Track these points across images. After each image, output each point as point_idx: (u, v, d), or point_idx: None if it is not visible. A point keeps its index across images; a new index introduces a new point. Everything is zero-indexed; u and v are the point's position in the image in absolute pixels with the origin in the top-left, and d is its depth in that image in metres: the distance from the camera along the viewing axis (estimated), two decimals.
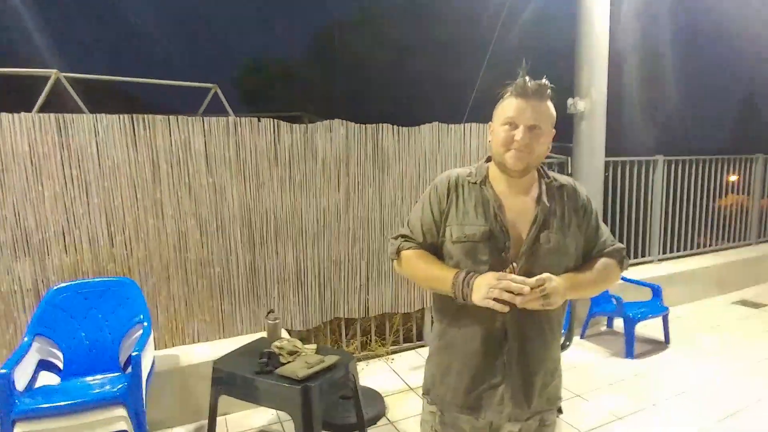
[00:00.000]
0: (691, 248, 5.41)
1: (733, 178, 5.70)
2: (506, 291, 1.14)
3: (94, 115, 2.73)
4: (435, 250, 1.35)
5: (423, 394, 1.44)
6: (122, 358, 2.56)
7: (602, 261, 1.34)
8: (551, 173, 1.37)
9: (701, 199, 5.37)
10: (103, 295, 2.62)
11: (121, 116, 2.77)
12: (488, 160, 1.38)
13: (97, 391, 2.24)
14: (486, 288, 1.16)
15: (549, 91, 1.25)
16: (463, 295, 1.21)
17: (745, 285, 5.24)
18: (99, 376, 2.46)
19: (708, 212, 5.49)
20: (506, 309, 1.15)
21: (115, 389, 2.19)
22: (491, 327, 1.27)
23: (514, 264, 1.25)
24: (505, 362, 1.29)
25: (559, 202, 1.33)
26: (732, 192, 5.74)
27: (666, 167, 4.97)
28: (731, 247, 5.72)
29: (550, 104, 1.27)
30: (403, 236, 1.39)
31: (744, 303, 4.81)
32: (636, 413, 2.82)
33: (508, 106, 1.25)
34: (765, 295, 5.03)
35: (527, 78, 1.24)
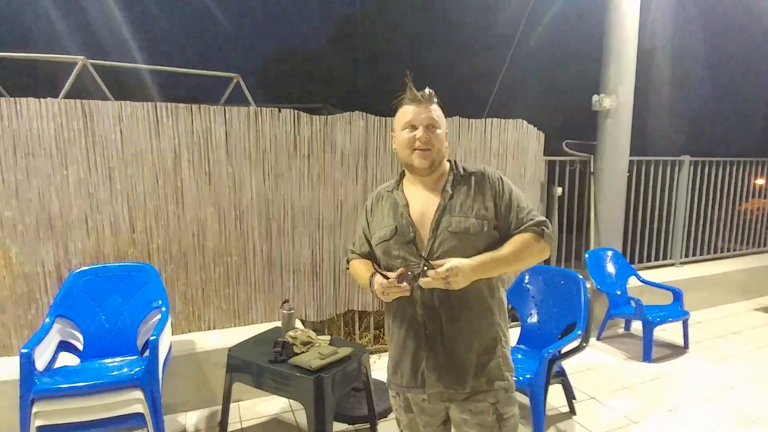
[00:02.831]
0: (715, 252, 5.27)
1: (760, 181, 5.53)
2: (394, 290, 1.28)
3: (119, 102, 2.76)
4: (372, 258, 1.52)
5: (386, 382, 1.57)
6: (140, 342, 2.60)
7: (517, 237, 1.39)
8: (463, 165, 1.48)
9: (726, 202, 5.23)
10: (123, 279, 2.67)
11: (145, 104, 2.79)
12: (404, 171, 1.51)
13: (115, 373, 2.27)
14: (378, 292, 1.33)
15: (434, 97, 1.42)
16: (374, 295, 1.42)
17: None
18: (117, 359, 2.51)
19: (733, 216, 5.34)
20: (408, 293, 1.30)
21: (132, 372, 2.23)
22: (412, 315, 1.40)
23: (424, 256, 1.36)
24: (427, 346, 1.39)
25: (465, 188, 1.42)
26: (758, 196, 5.57)
27: (692, 168, 4.84)
28: (756, 253, 5.56)
29: (438, 108, 1.42)
30: (351, 250, 1.61)
31: (766, 310, 4.68)
32: (651, 418, 2.77)
33: (404, 113, 1.41)
34: None
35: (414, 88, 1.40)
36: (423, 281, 1.27)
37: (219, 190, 3.01)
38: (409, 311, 1.40)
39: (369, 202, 1.55)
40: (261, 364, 2.31)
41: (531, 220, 1.40)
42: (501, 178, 1.44)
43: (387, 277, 1.30)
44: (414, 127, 1.38)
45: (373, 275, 1.39)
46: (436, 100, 1.42)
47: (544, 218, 1.41)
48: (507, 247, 1.36)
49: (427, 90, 1.41)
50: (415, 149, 1.37)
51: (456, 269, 1.26)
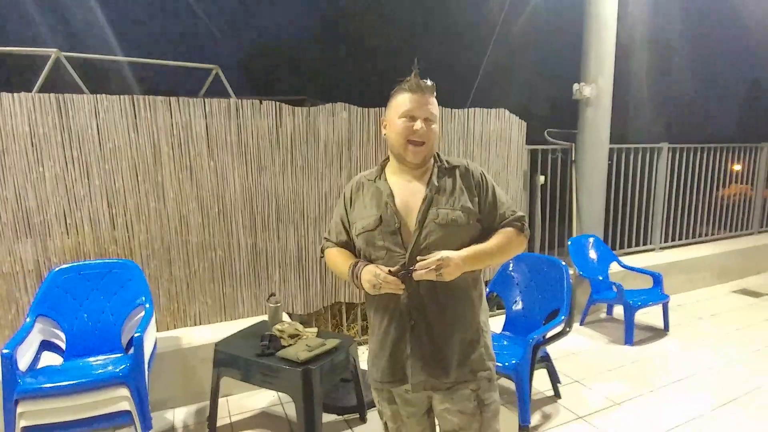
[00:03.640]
0: (693, 237, 5.40)
1: (737, 167, 5.67)
2: (387, 283, 1.28)
3: (95, 95, 2.70)
4: (350, 247, 1.51)
5: (366, 377, 1.59)
6: (124, 340, 2.57)
7: (501, 231, 1.44)
8: (446, 158, 1.48)
9: (705, 187, 5.35)
10: (105, 276, 2.63)
11: (122, 97, 2.74)
12: (385, 160, 1.51)
13: (100, 371, 2.24)
14: (367, 283, 1.32)
15: (434, 90, 1.41)
16: (356, 286, 1.38)
17: (746, 274, 5.25)
18: (101, 357, 2.48)
19: (711, 201, 5.47)
20: (400, 291, 1.30)
21: (117, 370, 2.20)
22: (396, 307, 1.40)
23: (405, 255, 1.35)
24: (412, 336, 1.39)
25: (450, 180, 1.43)
26: (736, 181, 5.71)
27: (670, 155, 4.94)
28: (733, 237, 5.72)
29: (436, 102, 1.42)
30: (325, 238, 1.59)
31: (744, 292, 4.82)
32: (633, 399, 2.84)
33: (404, 101, 1.38)
34: (766, 284, 5.04)
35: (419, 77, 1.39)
36: (416, 275, 1.28)
37: (201, 184, 2.97)
38: (393, 302, 1.39)
39: (348, 191, 1.52)
40: (248, 358, 2.31)
41: (512, 215, 1.46)
42: (483, 174, 1.48)
43: (390, 273, 1.29)
44: (413, 118, 1.37)
45: (355, 266, 1.38)
46: (435, 93, 1.41)
47: (522, 213, 1.48)
48: (493, 241, 1.41)
49: (429, 81, 1.40)
50: (409, 141, 1.37)
51: (447, 260, 1.27)
